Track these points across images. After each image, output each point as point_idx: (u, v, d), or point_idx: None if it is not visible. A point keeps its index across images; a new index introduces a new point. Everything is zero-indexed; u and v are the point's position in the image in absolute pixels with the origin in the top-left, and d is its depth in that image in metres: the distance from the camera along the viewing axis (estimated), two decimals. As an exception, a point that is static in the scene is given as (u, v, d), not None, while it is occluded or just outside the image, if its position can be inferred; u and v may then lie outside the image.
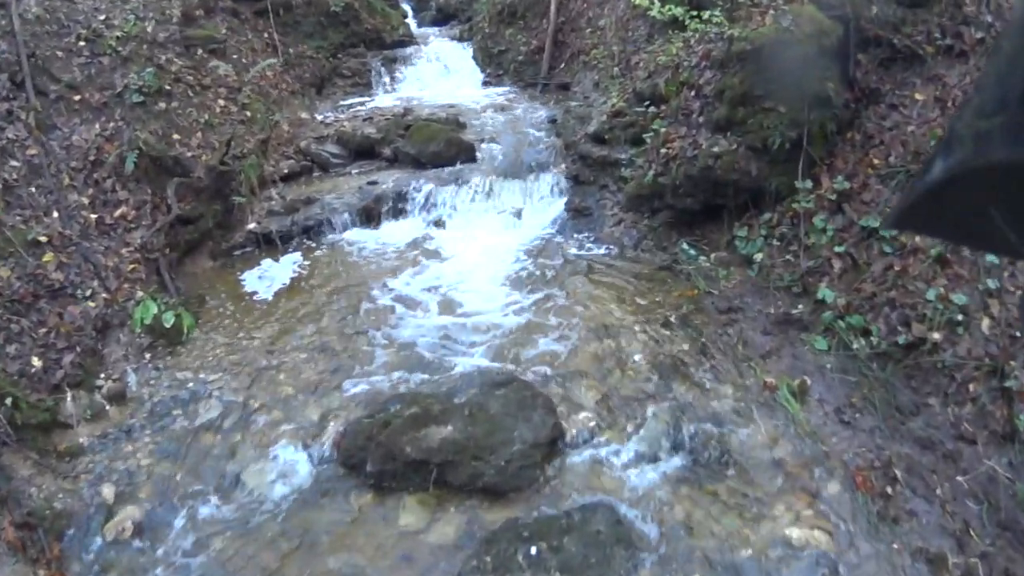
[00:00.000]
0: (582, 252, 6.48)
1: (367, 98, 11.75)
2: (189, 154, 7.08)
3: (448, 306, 5.70)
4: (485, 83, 12.40)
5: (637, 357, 4.87)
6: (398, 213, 7.39)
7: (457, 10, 15.43)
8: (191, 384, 5.03)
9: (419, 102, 10.97)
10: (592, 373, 4.72)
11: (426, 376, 4.73)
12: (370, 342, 5.16)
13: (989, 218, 0.49)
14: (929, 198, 0.51)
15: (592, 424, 4.30)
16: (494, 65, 12.37)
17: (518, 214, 7.30)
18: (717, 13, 6.46)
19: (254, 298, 6.26)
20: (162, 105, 7.24)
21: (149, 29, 8.00)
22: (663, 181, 6.20)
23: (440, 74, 12.58)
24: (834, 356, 4.84)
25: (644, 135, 6.76)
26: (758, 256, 5.72)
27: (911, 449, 4.19)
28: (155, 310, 5.73)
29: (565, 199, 7.36)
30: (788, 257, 5.57)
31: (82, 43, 7.39)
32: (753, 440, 4.33)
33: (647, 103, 7.11)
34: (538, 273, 6.12)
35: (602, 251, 6.48)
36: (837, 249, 5.31)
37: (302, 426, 4.55)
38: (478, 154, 8.29)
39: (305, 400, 4.75)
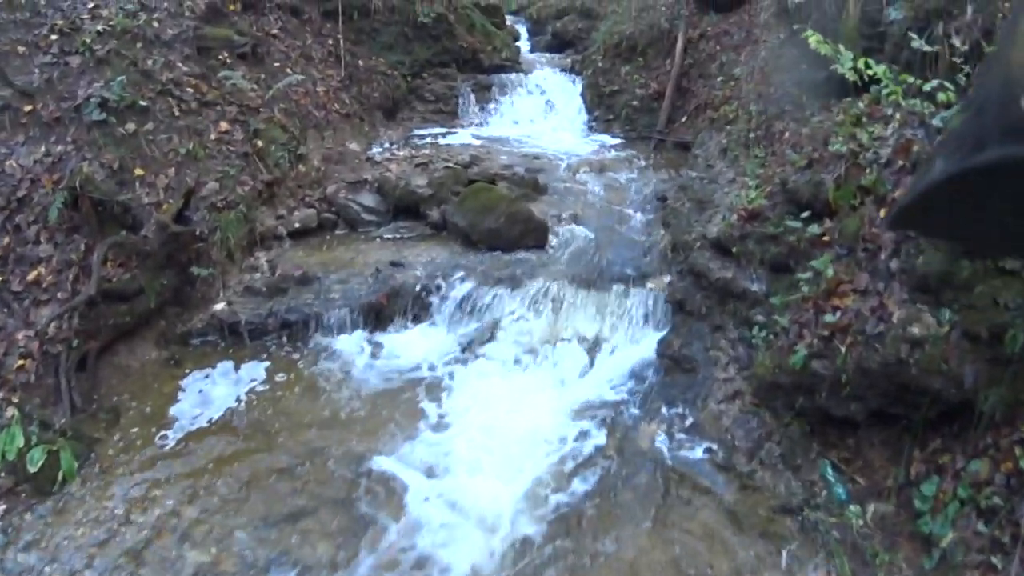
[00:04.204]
0: (668, 449, 4.01)
1: (449, 129, 9.71)
2: (147, 200, 5.13)
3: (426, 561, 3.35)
4: (590, 126, 10.16)
5: None
6: (417, 318, 5.16)
7: (575, 37, 13.18)
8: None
9: (503, 145, 8.81)
10: None
11: None
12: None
13: (988, 218, 0.49)
14: (929, 198, 0.51)
15: None
16: (604, 107, 10.09)
17: (588, 350, 4.93)
18: (948, 84, 3.87)
19: (172, 431, 4.24)
20: (131, 126, 5.34)
21: (155, 24, 6.17)
22: (819, 369, 3.68)
23: (540, 110, 10.47)
24: None
25: (796, 271, 4.21)
26: (945, 538, 3.16)
27: None
28: (21, 443, 4.05)
29: (660, 335, 4.94)
30: (993, 558, 2.99)
31: (53, 36, 5.63)
32: None
33: (804, 210, 4.50)
34: (585, 495, 3.66)
35: (699, 452, 3.99)
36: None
37: None
38: (551, 238, 6.00)
39: None
